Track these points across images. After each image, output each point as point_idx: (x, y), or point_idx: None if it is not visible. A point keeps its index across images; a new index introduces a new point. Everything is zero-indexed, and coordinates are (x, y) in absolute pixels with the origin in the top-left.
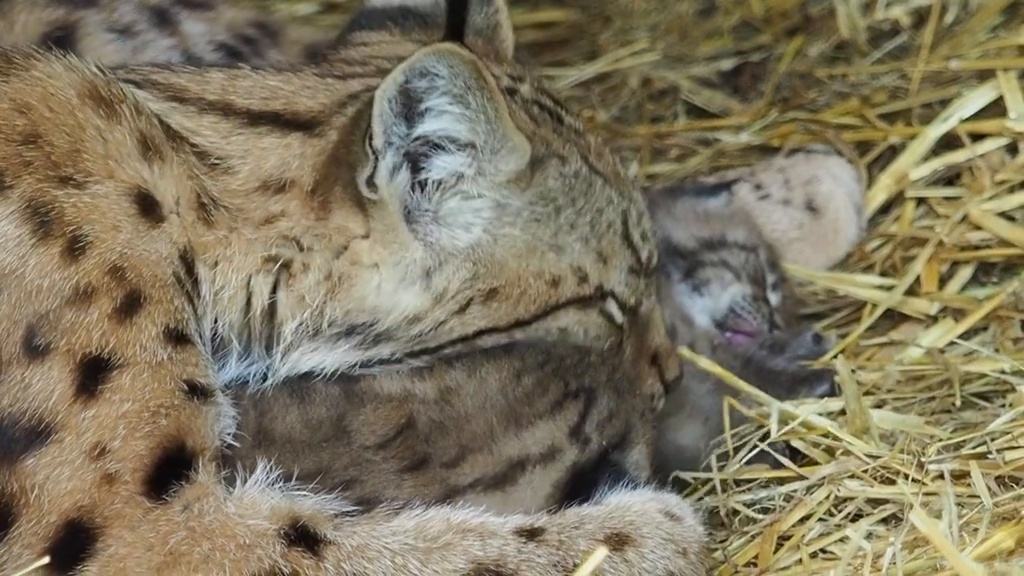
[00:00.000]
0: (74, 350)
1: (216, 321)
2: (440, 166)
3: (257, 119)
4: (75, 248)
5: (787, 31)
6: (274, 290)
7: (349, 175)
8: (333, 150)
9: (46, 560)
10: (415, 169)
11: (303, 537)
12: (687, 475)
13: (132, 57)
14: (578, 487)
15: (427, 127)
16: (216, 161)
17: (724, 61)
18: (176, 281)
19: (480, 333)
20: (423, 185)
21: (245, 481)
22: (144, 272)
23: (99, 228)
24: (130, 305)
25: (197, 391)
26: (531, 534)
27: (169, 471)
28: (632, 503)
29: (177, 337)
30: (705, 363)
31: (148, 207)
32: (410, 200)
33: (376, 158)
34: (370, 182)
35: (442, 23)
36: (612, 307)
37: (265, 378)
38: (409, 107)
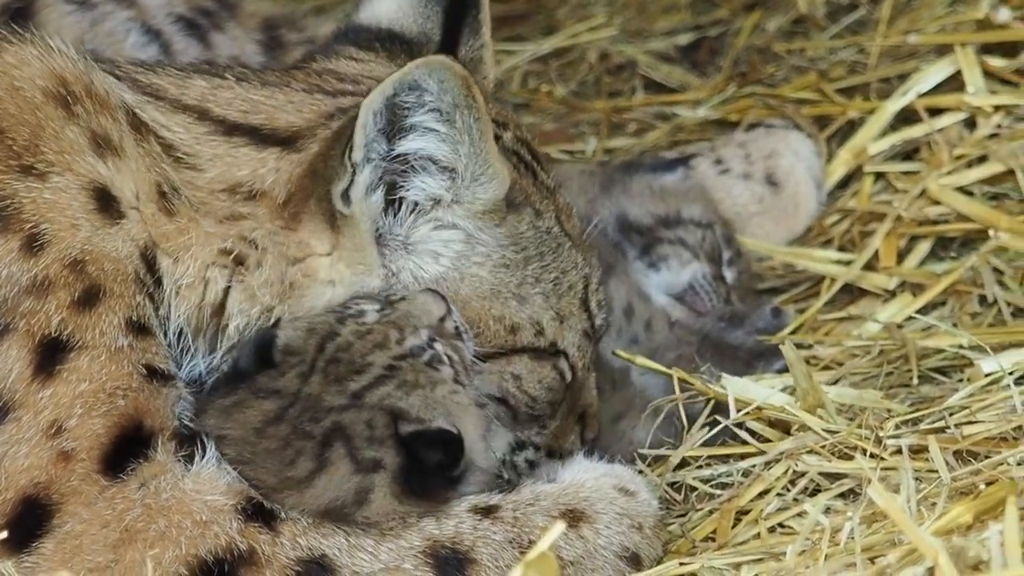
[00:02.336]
0: (33, 331)
1: (176, 315)
2: (418, 187)
3: (233, 129)
4: (34, 244)
5: (745, 6)
6: (230, 280)
7: (324, 188)
8: (311, 162)
9: (3, 536)
10: (391, 190)
11: (259, 512)
12: (648, 452)
13: (91, 30)
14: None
15: (409, 145)
16: (182, 155)
17: (682, 36)
18: (137, 279)
19: None
20: (397, 208)
21: (202, 458)
22: (106, 266)
23: (57, 226)
24: (89, 298)
25: (157, 374)
26: (486, 511)
27: (127, 450)
28: (586, 479)
29: (138, 328)
30: (642, 361)
31: (106, 203)
32: (382, 222)
33: (354, 171)
34: (345, 195)
35: (428, 52)
36: (564, 365)
37: (201, 377)
38: (393, 123)
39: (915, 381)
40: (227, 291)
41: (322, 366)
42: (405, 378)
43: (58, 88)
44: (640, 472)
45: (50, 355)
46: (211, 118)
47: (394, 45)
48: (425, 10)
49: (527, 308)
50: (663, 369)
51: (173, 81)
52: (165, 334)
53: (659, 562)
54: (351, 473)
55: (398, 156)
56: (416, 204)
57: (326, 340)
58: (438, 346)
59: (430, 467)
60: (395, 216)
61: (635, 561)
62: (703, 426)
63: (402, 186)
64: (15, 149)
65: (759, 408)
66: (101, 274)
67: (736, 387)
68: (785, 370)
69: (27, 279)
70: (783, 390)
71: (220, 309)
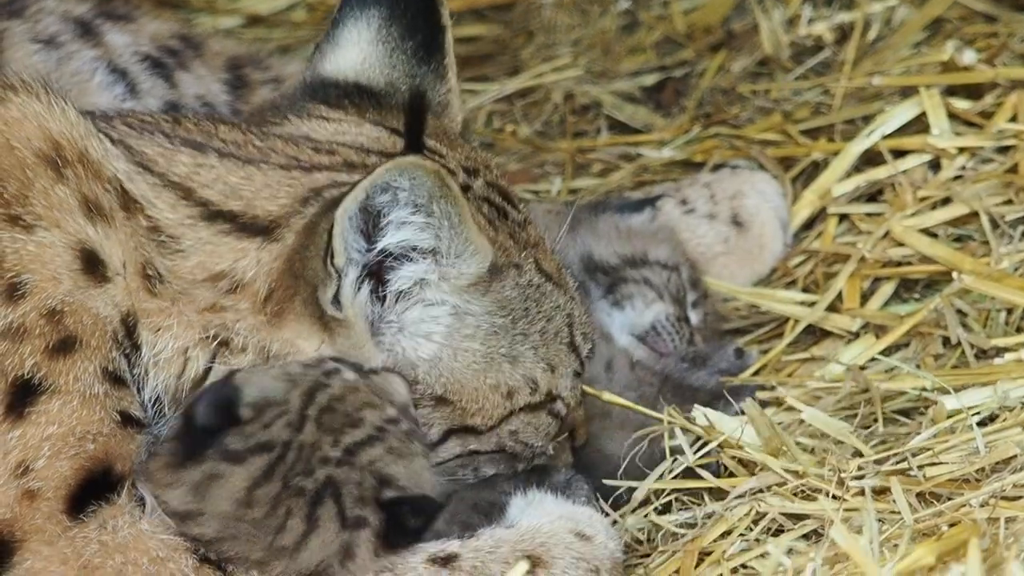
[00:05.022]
0: (6, 372)
1: (154, 383)
2: (404, 276)
3: (215, 216)
4: (14, 293)
5: (710, 47)
6: (212, 359)
7: (309, 290)
8: (289, 260)
9: None
10: (376, 281)
11: (207, 559)
12: (614, 483)
13: (57, 68)
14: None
15: (389, 240)
16: (167, 239)
17: (647, 76)
18: (115, 339)
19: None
20: (383, 296)
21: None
22: (85, 320)
23: (39, 278)
24: (64, 346)
25: (131, 421)
26: (444, 561)
27: (93, 492)
28: (542, 524)
29: (114, 378)
30: (608, 397)
31: (92, 264)
32: (372, 312)
33: (339, 276)
34: (335, 301)
35: (395, 104)
36: (559, 407)
37: None
38: (369, 223)
39: (879, 423)
40: (208, 370)
41: (315, 415)
42: (392, 444)
43: (51, 152)
44: (603, 512)
45: (21, 397)
46: (194, 200)
47: (363, 100)
48: (391, 60)
49: (520, 368)
50: (630, 405)
51: (162, 152)
52: (139, 392)
53: None
54: (338, 531)
55: (380, 251)
56: (403, 291)
57: (316, 390)
58: (405, 425)
59: (405, 528)
60: (383, 304)
61: None
62: (669, 460)
63: (388, 277)
64: (5, 197)
65: (722, 447)
66: (79, 327)
67: (706, 419)
68: (742, 413)
69: (3, 324)
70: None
71: (201, 383)
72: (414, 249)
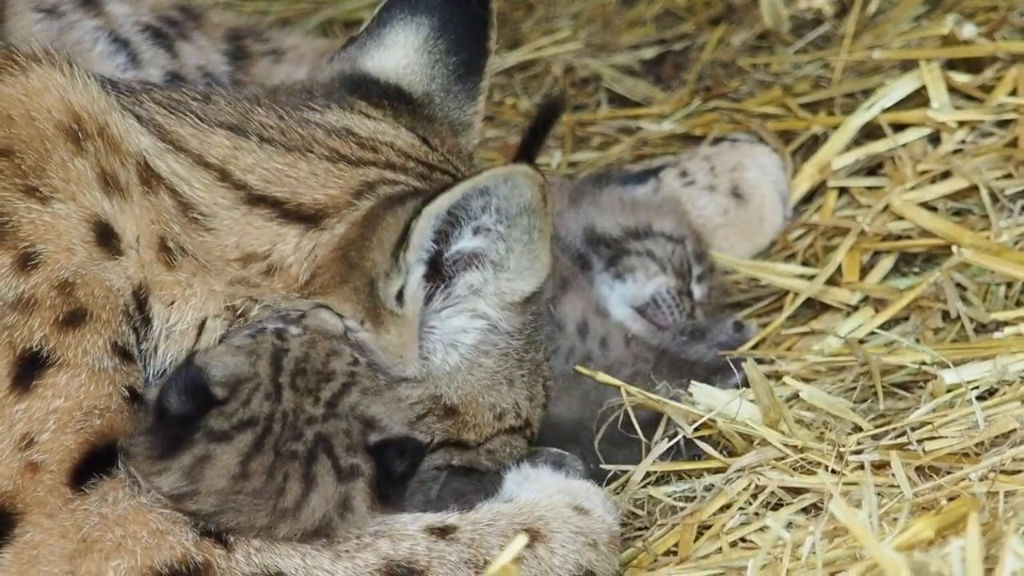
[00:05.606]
0: (14, 344)
1: (164, 356)
2: (462, 283)
3: (256, 200)
4: (27, 263)
5: (710, 20)
6: (227, 332)
7: (363, 281)
8: (342, 249)
9: None
10: (433, 282)
11: (209, 531)
12: (609, 467)
13: (58, 38)
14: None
15: (463, 244)
16: (198, 216)
17: (646, 50)
18: (126, 312)
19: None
20: (430, 296)
21: None
22: (96, 292)
23: (53, 248)
24: (74, 319)
25: (138, 398)
26: (442, 532)
27: (95, 465)
28: (540, 498)
29: (123, 353)
30: (603, 377)
31: (106, 237)
32: (422, 312)
33: (407, 272)
34: (398, 296)
35: (427, 115)
36: (529, 433)
37: None
38: (453, 224)
39: (880, 397)
40: (224, 337)
41: (288, 381)
42: (365, 384)
43: (71, 124)
44: (599, 484)
45: (28, 369)
46: (232, 182)
47: (400, 104)
48: (432, 71)
49: (512, 392)
50: (621, 384)
51: (195, 132)
52: (145, 368)
53: None
54: (336, 484)
55: (452, 254)
56: (457, 296)
57: (279, 356)
58: (365, 356)
59: (394, 476)
60: (428, 306)
61: None
62: (666, 438)
63: (449, 280)
64: (22, 169)
65: (720, 421)
66: (91, 299)
67: (703, 394)
68: (740, 386)
69: (13, 295)
70: (750, 400)
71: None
72: (482, 258)
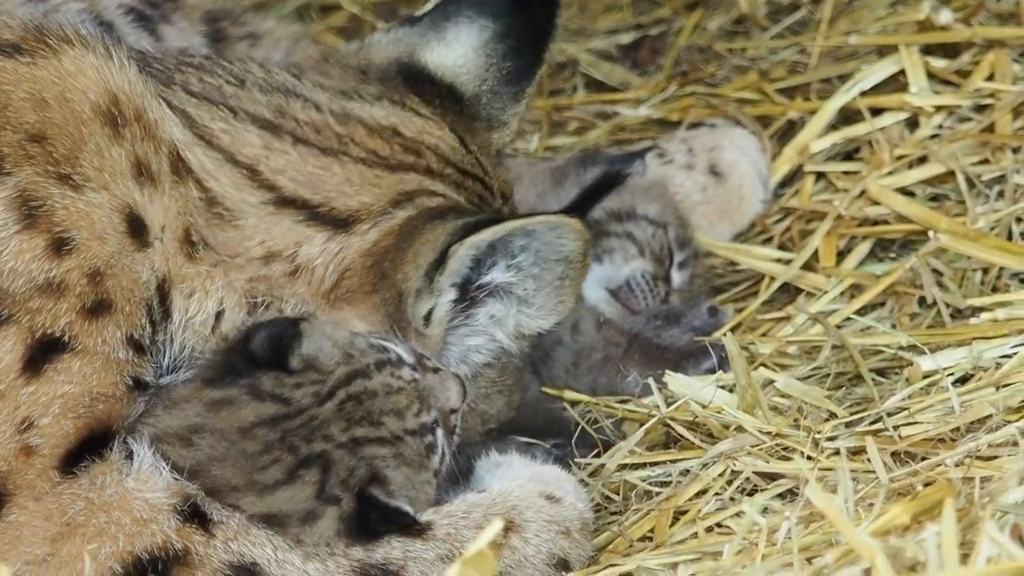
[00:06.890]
0: (34, 328)
1: (181, 344)
2: (486, 311)
3: (285, 202)
4: (61, 248)
5: (686, 5)
6: (249, 317)
7: (392, 292)
8: (375, 258)
9: None
10: (459, 305)
11: (195, 514)
12: (583, 461)
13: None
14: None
15: (494, 276)
16: (224, 212)
17: (623, 35)
18: (148, 306)
19: None
20: (453, 319)
21: (140, 455)
22: (124, 283)
23: (87, 235)
24: (99, 309)
25: (140, 386)
26: (418, 531)
27: (91, 448)
28: (513, 488)
29: (137, 346)
30: (570, 395)
31: (137, 228)
32: (444, 335)
33: (439, 294)
34: (428, 316)
35: (472, 115)
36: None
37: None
38: (490, 256)
39: (854, 383)
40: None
41: (342, 397)
42: (403, 452)
43: (109, 106)
44: (569, 469)
45: (43, 353)
46: (261, 182)
47: (449, 103)
48: (485, 73)
49: (500, 399)
50: (587, 399)
51: (226, 128)
52: (159, 354)
53: (592, 562)
54: (312, 497)
55: (483, 284)
56: (478, 322)
57: (358, 375)
58: (439, 434)
59: (369, 527)
60: (451, 325)
61: (564, 566)
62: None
63: (472, 303)
64: (55, 156)
65: (696, 408)
66: (118, 291)
67: (677, 384)
68: (713, 371)
69: (44, 279)
70: (723, 387)
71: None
72: (509, 291)
